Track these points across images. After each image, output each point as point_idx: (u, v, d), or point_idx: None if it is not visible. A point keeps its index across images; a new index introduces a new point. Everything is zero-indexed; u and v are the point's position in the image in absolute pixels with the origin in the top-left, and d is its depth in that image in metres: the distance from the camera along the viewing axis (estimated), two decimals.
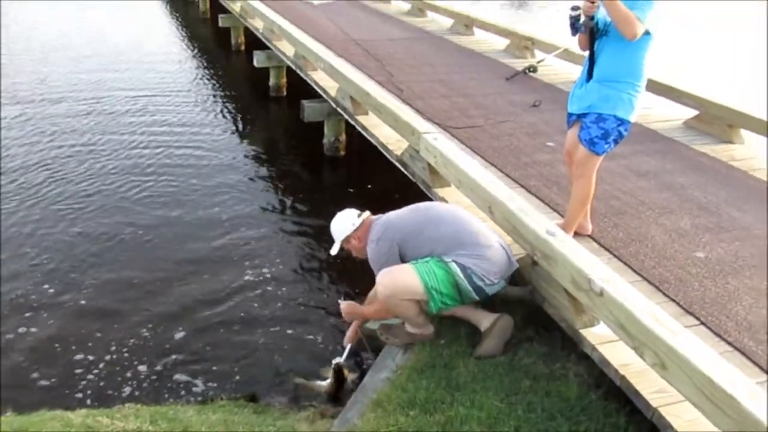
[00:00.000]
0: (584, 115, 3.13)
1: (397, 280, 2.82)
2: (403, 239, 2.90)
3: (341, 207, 5.79)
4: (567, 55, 6.84)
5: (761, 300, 2.90)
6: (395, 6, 11.36)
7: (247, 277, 4.58)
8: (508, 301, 3.39)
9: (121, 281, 4.43)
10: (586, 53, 3.16)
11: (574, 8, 3.05)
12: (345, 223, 3.09)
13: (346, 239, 3.11)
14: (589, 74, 3.10)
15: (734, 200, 3.94)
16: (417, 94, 5.88)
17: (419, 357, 2.98)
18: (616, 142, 3.14)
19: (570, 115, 3.28)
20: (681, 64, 10.76)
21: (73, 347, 3.73)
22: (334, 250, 3.17)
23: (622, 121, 3.05)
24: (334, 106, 5.95)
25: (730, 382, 1.95)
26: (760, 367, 2.46)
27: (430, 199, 4.12)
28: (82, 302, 4.17)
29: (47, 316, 3.99)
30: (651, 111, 5.49)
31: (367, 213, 3.12)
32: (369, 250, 2.97)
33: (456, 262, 2.79)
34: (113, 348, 3.75)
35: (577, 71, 6.72)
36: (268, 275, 4.63)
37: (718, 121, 5.12)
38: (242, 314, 4.17)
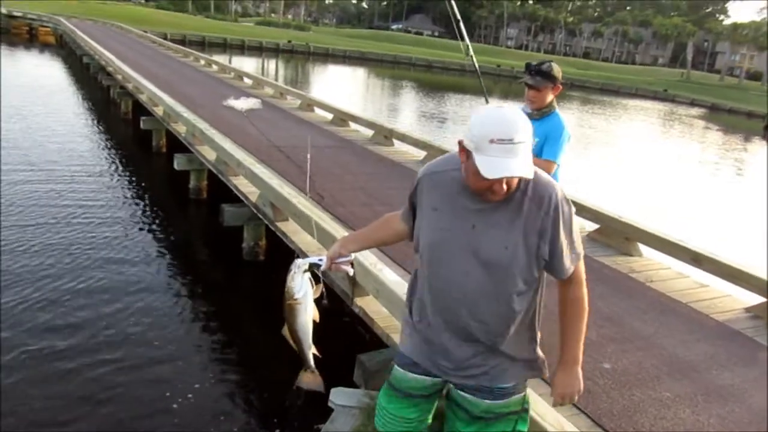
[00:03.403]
0: None
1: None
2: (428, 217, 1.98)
3: (259, 312, 5.69)
4: None
5: (663, 411, 3.02)
6: (318, 115, 11.83)
7: (161, 391, 4.27)
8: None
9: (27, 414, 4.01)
10: None
11: None
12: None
13: None
14: None
15: (635, 311, 4.18)
16: (338, 201, 6.00)
17: None
18: None
19: None
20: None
21: None
22: None
23: None
24: (255, 211, 5.95)
25: None
26: None
27: (349, 307, 4.09)
28: None
29: None
30: None
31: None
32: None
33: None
34: None
35: None
36: (184, 387, 4.34)
37: (616, 234, 5.52)
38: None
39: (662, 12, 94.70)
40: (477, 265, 1.86)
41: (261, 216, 5.80)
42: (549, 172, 3.20)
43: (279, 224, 5.37)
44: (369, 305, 3.89)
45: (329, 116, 11.35)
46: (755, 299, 4.47)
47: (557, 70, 3.35)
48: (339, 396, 3.39)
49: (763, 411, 3.16)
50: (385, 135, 9.46)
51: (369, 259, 3.90)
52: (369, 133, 9.95)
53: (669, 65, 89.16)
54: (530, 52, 77.75)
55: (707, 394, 3.24)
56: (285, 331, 2.29)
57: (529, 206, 1.84)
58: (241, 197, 6.33)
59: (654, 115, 36.48)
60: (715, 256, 4.77)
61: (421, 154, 8.50)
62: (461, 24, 4.04)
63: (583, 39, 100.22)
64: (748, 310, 4.45)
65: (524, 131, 1.70)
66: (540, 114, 3.35)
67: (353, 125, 10.71)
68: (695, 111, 41.76)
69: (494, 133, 1.68)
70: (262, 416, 4.16)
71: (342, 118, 10.93)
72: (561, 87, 3.36)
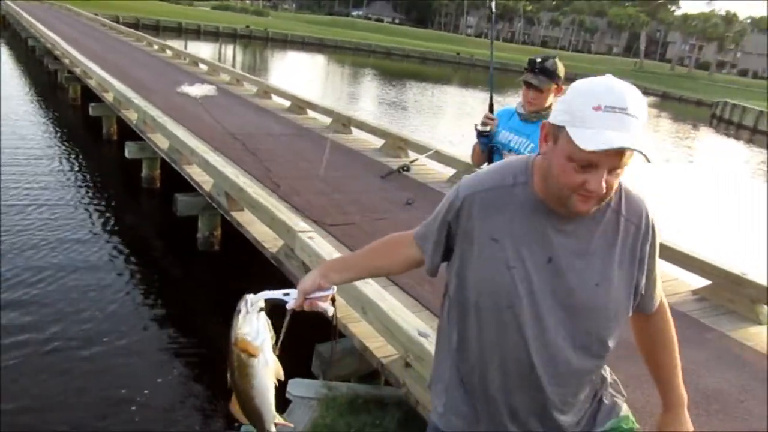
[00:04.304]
0: None
1: None
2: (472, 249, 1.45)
3: (214, 303, 5.59)
4: (438, 156, 7.32)
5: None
6: (275, 102, 11.64)
7: (116, 388, 4.14)
8: (384, 403, 3.34)
9: None
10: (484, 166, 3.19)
11: (484, 124, 3.13)
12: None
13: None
14: None
15: None
16: (294, 189, 5.92)
17: None
18: None
19: None
20: None
21: None
22: None
23: None
24: (209, 201, 5.82)
25: None
26: None
27: None
28: None
29: None
30: None
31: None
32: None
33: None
34: None
35: (446, 171, 7.21)
36: (139, 383, 4.22)
37: None
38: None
39: (617, 2, 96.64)
40: (558, 312, 1.40)
41: (216, 206, 5.68)
42: None
43: (234, 214, 5.26)
44: None
45: (287, 103, 11.18)
46: (702, 282, 4.61)
47: (561, 67, 2.93)
48: (296, 387, 3.35)
49: (707, 390, 3.26)
50: (344, 123, 9.37)
51: (325, 248, 3.85)
52: (327, 120, 9.84)
53: (623, 54, 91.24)
54: (489, 40, 78.11)
55: None
56: (233, 404, 1.51)
57: (625, 227, 1.43)
58: (195, 186, 6.18)
59: None
60: (666, 242, 4.89)
61: (380, 142, 8.46)
62: (493, 24, 3.59)
63: (541, 28, 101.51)
64: (694, 292, 4.59)
65: (640, 106, 1.25)
66: (537, 117, 2.97)
67: (311, 113, 10.57)
68: (648, 99, 42.78)
69: (601, 99, 1.23)
70: (220, 410, 4.09)
71: (299, 105, 10.78)
72: (563, 87, 2.90)
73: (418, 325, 3.02)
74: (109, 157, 10.11)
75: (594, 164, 1.25)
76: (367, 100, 23.72)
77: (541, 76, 2.89)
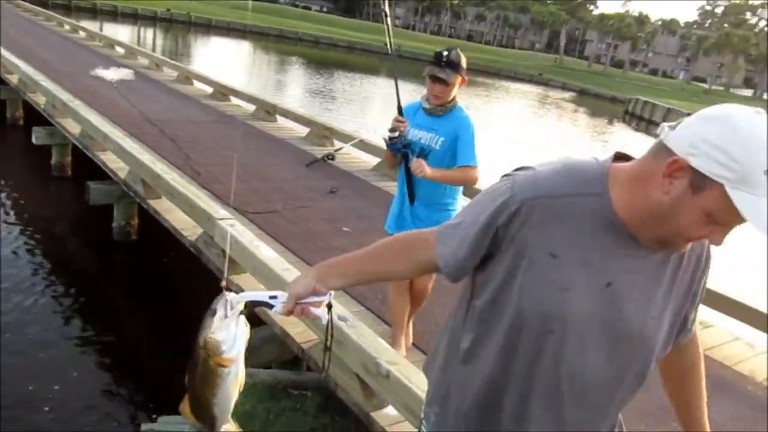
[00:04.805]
0: None
1: None
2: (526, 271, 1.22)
3: (132, 294, 5.40)
4: (362, 146, 7.38)
5: None
6: (197, 88, 11.31)
7: (23, 386, 3.92)
8: (304, 388, 3.35)
9: None
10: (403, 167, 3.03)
11: (392, 130, 2.94)
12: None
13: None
14: (410, 195, 3.00)
15: None
16: (215, 177, 5.80)
17: None
18: None
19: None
20: None
21: None
22: None
23: None
24: (125, 189, 5.60)
25: None
26: None
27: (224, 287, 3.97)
28: None
29: None
30: None
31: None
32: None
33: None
34: None
35: (371, 160, 7.27)
36: (50, 380, 4.02)
37: None
38: None
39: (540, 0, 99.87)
40: (603, 342, 1.23)
41: (132, 194, 5.47)
42: (476, 180, 2.90)
43: (151, 202, 5.10)
44: (246, 283, 3.81)
45: (209, 90, 10.89)
46: None
47: (464, 58, 2.88)
48: None
49: None
50: (268, 110, 9.24)
51: (246, 235, 3.81)
52: (251, 108, 9.67)
53: (545, 50, 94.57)
54: (417, 32, 79.11)
55: None
56: (184, 407, 1.40)
57: (689, 257, 1.28)
58: (110, 174, 5.93)
59: (532, 98, 38.58)
60: None
61: (305, 130, 8.41)
62: (388, 19, 3.32)
63: (467, 22, 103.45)
64: None
65: None
66: (444, 110, 2.92)
67: (234, 100, 10.35)
68: (567, 95, 44.65)
69: None
70: (138, 406, 3.97)
71: (223, 92, 10.52)
72: (466, 78, 2.92)
73: (338, 310, 3.05)
74: (15, 143, 9.51)
75: (733, 224, 1.11)
76: (295, 88, 23.43)
77: (448, 69, 2.83)
